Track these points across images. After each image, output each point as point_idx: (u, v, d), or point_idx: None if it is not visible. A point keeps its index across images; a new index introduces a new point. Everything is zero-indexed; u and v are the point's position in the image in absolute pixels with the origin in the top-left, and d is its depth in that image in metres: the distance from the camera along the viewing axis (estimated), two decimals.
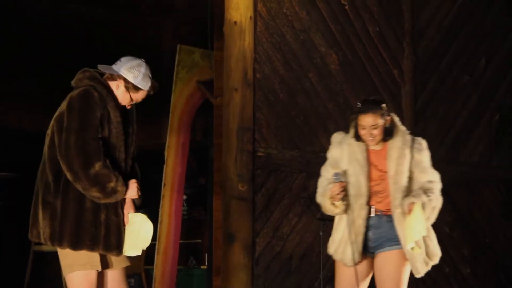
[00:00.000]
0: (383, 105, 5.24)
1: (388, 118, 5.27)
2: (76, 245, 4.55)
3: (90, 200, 4.55)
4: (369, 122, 5.18)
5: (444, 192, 8.28)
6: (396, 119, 5.39)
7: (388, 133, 5.27)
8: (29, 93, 10.88)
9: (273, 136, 7.26)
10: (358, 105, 5.27)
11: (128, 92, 4.74)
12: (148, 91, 4.81)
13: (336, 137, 5.49)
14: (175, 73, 8.68)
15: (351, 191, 5.26)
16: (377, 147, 5.31)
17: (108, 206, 4.61)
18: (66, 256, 4.64)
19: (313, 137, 7.43)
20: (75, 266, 4.61)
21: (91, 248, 4.55)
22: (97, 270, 4.62)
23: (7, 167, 9.55)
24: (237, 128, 6.94)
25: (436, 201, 5.35)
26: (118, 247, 4.63)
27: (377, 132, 5.20)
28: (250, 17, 7.03)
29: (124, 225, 4.68)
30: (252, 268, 7.05)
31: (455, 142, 8.42)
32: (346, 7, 7.65)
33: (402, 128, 5.37)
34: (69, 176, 4.51)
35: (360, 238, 5.24)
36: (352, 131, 5.34)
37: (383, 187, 5.28)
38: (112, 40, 11.52)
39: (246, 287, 6.97)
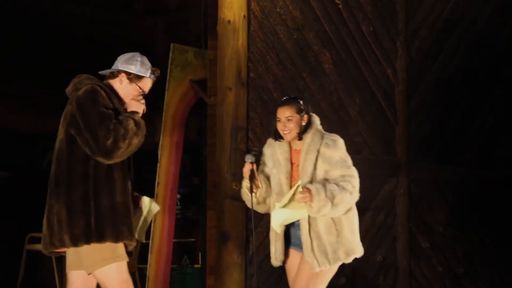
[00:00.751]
0: (300, 101, 5.44)
1: (305, 116, 5.43)
2: (117, 238, 4.63)
3: (120, 193, 4.67)
4: (285, 114, 5.35)
5: (438, 191, 8.34)
6: (317, 120, 5.51)
7: (304, 132, 5.40)
8: (22, 94, 10.86)
9: (267, 135, 7.21)
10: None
11: (133, 82, 4.86)
12: (151, 77, 4.95)
13: (269, 139, 5.64)
14: (168, 72, 8.66)
15: (275, 190, 5.42)
16: (298, 147, 5.44)
17: (130, 194, 4.74)
18: (94, 251, 4.67)
19: None
20: (107, 260, 4.67)
21: (130, 238, 4.68)
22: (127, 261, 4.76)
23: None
24: (230, 127, 6.94)
25: (343, 193, 5.35)
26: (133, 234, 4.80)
27: (292, 126, 5.35)
28: (244, 16, 7.04)
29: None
30: (246, 267, 7.05)
31: (449, 142, 8.43)
32: (340, 6, 7.66)
33: (318, 127, 5.46)
34: (109, 161, 4.63)
35: (281, 236, 5.37)
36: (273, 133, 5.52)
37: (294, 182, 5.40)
38: (105, 40, 11.51)
39: (240, 286, 6.97)
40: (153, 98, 12.07)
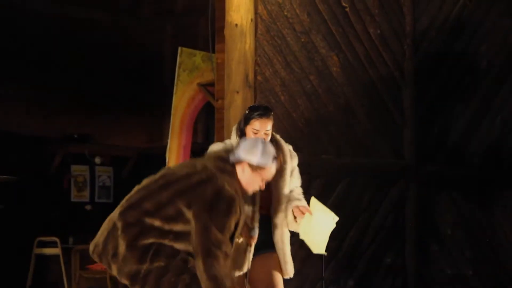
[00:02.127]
0: (272, 113, 5.30)
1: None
2: None
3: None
4: (266, 126, 5.20)
5: (446, 194, 8.33)
6: None
7: (271, 141, 5.29)
8: (30, 98, 10.88)
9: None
10: (248, 111, 5.28)
11: (254, 172, 4.75)
12: (273, 163, 4.81)
13: (216, 148, 5.38)
14: (176, 76, 8.67)
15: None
16: None
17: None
18: None
19: (314, 139, 7.43)
20: None
21: None
22: None
23: (7, 171, 9.55)
24: None
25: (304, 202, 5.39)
26: None
27: (267, 138, 5.23)
28: (251, 20, 7.03)
29: None
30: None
31: (457, 144, 8.42)
32: (347, 9, 7.65)
33: (278, 135, 5.42)
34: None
35: (252, 246, 5.29)
36: (237, 138, 5.30)
37: (267, 194, 5.30)
38: (114, 44, 11.54)
39: None
40: (161, 102, 12.15)
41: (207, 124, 10.23)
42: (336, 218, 5.24)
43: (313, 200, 5.30)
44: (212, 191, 4.57)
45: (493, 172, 8.71)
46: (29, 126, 10.86)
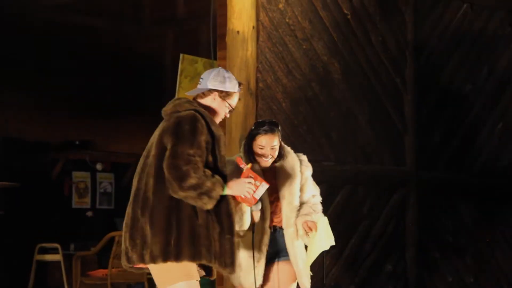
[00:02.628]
0: (280, 127, 5.33)
1: (280, 140, 5.34)
2: (194, 257, 4.63)
3: (202, 217, 4.65)
4: (271, 143, 5.24)
5: (447, 201, 8.34)
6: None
7: (280, 155, 5.32)
8: (32, 104, 10.90)
9: None
10: (254, 127, 5.32)
11: (225, 100, 4.89)
12: (238, 91, 4.98)
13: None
14: (178, 83, 8.68)
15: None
16: (267, 168, 5.33)
17: (221, 224, 4.72)
18: (168, 270, 4.67)
19: (316, 146, 7.44)
20: (178, 278, 4.66)
21: (208, 259, 4.65)
22: (197, 280, 4.74)
23: (9, 177, 9.56)
24: (240, 137, 6.94)
25: (320, 213, 5.40)
26: (231, 265, 4.74)
27: (274, 154, 5.25)
28: (253, 27, 7.05)
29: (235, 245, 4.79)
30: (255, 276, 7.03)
31: (458, 151, 8.43)
32: (349, 16, 7.67)
33: (288, 148, 5.43)
34: (168, 185, 4.62)
35: (262, 262, 5.29)
36: (243, 155, 5.32)
37: (278, 207, 5.32)
38: (115, 50, 11.55)
39: None
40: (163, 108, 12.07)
41: None
42: (333, 244, 5.28)
43: (325, 219, 5.30)
44: (174, 118, 4.73)
45: (493, 179, 8.71)
46: (30, 132, 10.87)
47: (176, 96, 8.66)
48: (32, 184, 10.65)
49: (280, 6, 7.23)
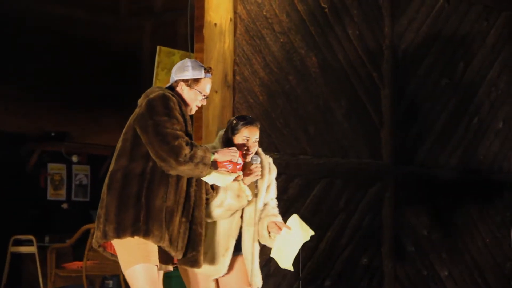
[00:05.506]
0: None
1: None
2: (146, 233, 4.67)
3: (171, 198, 4.72)
4: (256, 134, 5.26)
5: (423, 194, 8.37)
6: None
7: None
8: (8, 96, 10.83)
9: None
10: (236, 120, 5.31)
11: (192, 87, 4.95)
12: (207, 76, 5.01)
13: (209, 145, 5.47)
14: (154, 75, 8.66)
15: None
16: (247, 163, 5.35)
17: (185, 210, 4.79)
18: (126, 250, 4.72)
19: (293, 139, 7.44)
20: (135, 260, 4.70)
21: (158, 240, 4.68)
22: (156, 266, 4.77)
23: None
24: (216, 130, 6.92)
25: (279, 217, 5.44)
26: (181, 250, 4.80)
27: (255, 147, 5.28)
28: (230, 19, 7.03)
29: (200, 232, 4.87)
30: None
31: (434, 145, 8.46)
32: (326, 10, 7.67)
33: (259, 148, 5.45)
34: (162, 164, 4.68)
35: (230, 251, 5.29)
36: (221, 146, 5.31)
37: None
38: (92, 42, 11.50)
39: None
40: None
41: None
42: (312, 233, 5.29)
43: (295, 216, 5.31)
44: (145, 101, 4.82)
45: (469, 174, 8.75)
46: (6, 124, 10.81)
47: None
48: (7, 176, 10.59)
49: None
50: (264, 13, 7.25)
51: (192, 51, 7.34)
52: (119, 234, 4.67)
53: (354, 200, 7.85)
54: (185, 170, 4.66)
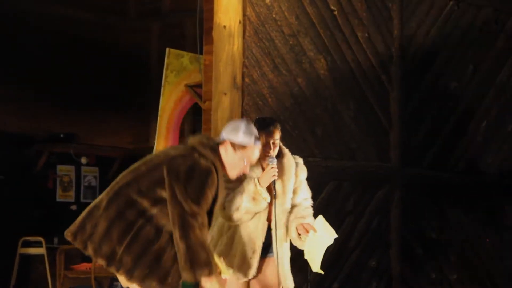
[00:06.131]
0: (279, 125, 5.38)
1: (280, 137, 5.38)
2: (130, 278, 4.63)
3: (160, 244, 4.64)
4: (274, 136, 5.29)
5: (431, 197, 8.36)
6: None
7: (278, 153, 5.37)
8: (17, 97, 10.85)
9: None
10: (255, 122, 5.32)
11: (236, 152, 4.84)
12: (256, 144, 4.90)
13: None
14: (163, 77, 8.68)
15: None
16: (264, 165, 5.37)
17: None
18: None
19: (301, 142, 7.44)
20: None
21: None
22: None
23: None
24: None
25: (311, 217, 5.46)
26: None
27: (275, 149, 5.30)
28: (239, 22, 7.04)
29: None
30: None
31: (442, 148, 8.45)
32: (335, 12, 7.67)
33: (286, 149, 5.45)
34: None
35: (258, 254, 5.32)
36: None
37: (270, 204, 5.35)
38: (101, 44, 11.52)
39: None
40: (148, 103, 12.13)
41: (194, 126, 10.22)
42: (336, 236, 5.30)
43: (320, 218, 5.32)
44: (188, 162, 4.65)
45: (477, 177, 8.74)
46: (15, 125, 10.83)
47: (162, 90, 8.67)
48: (16, 177, 10.61)
49: (267, 1, 7.22)
50: (273, 16, 7.26)
51: (201, 53, 7.35)
52: (96, 258, 4.68)
53: (362, 203, 7.85)
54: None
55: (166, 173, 4.64)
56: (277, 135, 5.32)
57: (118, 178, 4.83)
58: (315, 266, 5.37)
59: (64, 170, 11.45)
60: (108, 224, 4.65)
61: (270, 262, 5.38)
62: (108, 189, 4.82)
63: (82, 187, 11.59)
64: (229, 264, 5.28)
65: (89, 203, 10.59)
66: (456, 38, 8.62)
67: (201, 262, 4.51)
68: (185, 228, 4.52)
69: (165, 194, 4.63)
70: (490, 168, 8.87)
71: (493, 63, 8.93)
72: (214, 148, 4.81)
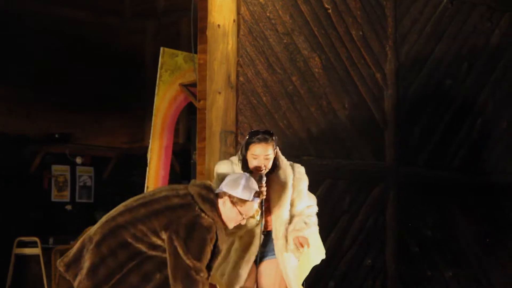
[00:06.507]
0: (275, 137, 5.33)
1: (275, 150, 5.34)
2: None
3: None
4: (265, 152, 5.23)
5: (427, 195, 8.36)
6: (279, 151, 5.45)
7: (274, 166, 5.33)
8: (12, 97, 10.84)
9: None
10: (249, 136, 5.32)
11: (236, 206, 4.82)
12: (255, 200, 4.88)
13: (223, 168, 5.43)
14: (158, 76, 8.66)
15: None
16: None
17: None
18: None
19: (296, 140, 7.44)
20: None
21: None
22: None
23: None
24: (220, 131, 6.93)
25: (315, 225, 5.44)
26: None
27: (268, 164, 5.25)
28: (234, 21, 7.03)
29: None
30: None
31: (437, 146, 8.45)
32: (329, 10, 7.67)
33: (284, 160, 5.43)
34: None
35: (252, 260, 5.32)
36: (239, 163, 5.35)
37: (269, 215, 5.34)
38: (95, 43, 11.50)
39: None
40: (143, 102, 12.13)
41: (188, 125, 10.20)
42: (323, 257, 5.33)
43: (315, 232, 5.33)
44: (190, 217, 4.63)
45: (472, 175, 8.74)
46: (9, 125, 10.81)
47: (156, 89, 8.67)
48: (11, 177, 10.59)
49: (261, 0, 7.21)
50: (268, 14, 7.25)
51: (196, 53, 7.34)
52: None
53: (358, 201, 7.85)
54: None
55: (165, 224, 4.61)
56: (270, 150, 5.28)
57: (113, 213, 4.78)
58: (298, 281, 5.42)
59: (59, 170, 11.43)
60: (98, 261, 4.63)
61: (275, 263, 5.38)
62: (103, 222, 4.77)
63: (77, 187, 11.57)
64: (222, 272, 5.30)
65: (84, 203, 10.63)
66: (450, 36, 8.62)
67: None
68: (191, 283, 4.52)
69: (160, 242, 4.60)
70: (486, 166, 8.87)
71: (487, 61, 8.93)
72: (213, 201, 4.78)
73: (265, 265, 5.41)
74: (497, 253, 8.86)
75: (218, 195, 4.83)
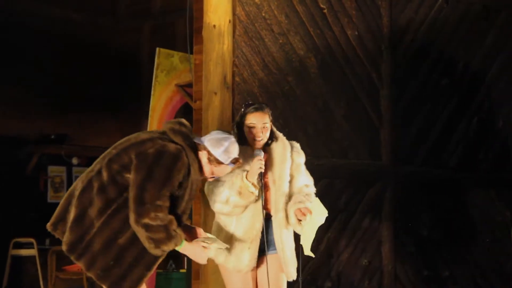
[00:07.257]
0: (269, 109, 5.38)
1: (271, 123, 5.38)
2: (89, 268, 4.65)
3: (125, 238, 4.65)
4: (262, 120, 5.28)
5: (424, 194, 8.37)
6: (273, 126, 5.47)
7: (271, 137, 5.36)
8: (7, 99, 10.83)
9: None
10: (244, 107, 5.35)
11: (210, 164, 4.84)
12: (230, 166, 4.90)
13: None
14: (154, 77, 8.66)
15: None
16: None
17: (141, 254, 4.71)
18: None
19: (292, 140, 7.42)
20: None
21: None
22: None
23: None
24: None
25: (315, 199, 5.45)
26: None
27: (266, 132, 5.28)
28: (229, 21, 7.03)
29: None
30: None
31: (434, 145, 8.46)
32: (325, 10, 7.67)
33: (280, 133, 5.44)
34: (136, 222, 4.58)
35: (256, 243, 5.28)
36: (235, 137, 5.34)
37: (269, 193, 5.33)
38: (91, 44, 11.50)
39: None
40: (139, 103, 12.12)
41: None
42: (326, 215, 5.30)
43: (316, 200, 5.32)
44: (156, 146, 4.66)
45: (469, 174, 8.75)
46: (5, 127, 10.81)
47: (152, 90, 8.66)
48: (7, 179, 10.59)
49: (257, 0, 7.21)
50: (263, 14, 7.25)
51: (191, 53, 7.33)
52: (64, 247, 4.75)
53: (354, 200, 7.85)
54: (138, 232, 4.58)
55: (134, 156, 4.65)
56: (267, 119, 5.31)
57: (92, 166, 4.83)
58: (307, 248, 5.36)
59: (56, 171, 11.43)
60: (80, 212, 4.67)
61: (274, 258, 5.35)
62: (83, 176, 4.82)
63: None
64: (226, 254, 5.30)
65: None
66: (446, 35, 8.63)
67: (163, 239, 4.56)
68: (142, 210, 4.54)
69: (128, 161, 4.67)
70: (482, 164, 8.89)
71: (483, 60, 8.95)
72: (186, 134, 4.79)
73: (270, 259, 5.38)
74: (494, 252, 8.87)
75: (198, 146, 4.83)
